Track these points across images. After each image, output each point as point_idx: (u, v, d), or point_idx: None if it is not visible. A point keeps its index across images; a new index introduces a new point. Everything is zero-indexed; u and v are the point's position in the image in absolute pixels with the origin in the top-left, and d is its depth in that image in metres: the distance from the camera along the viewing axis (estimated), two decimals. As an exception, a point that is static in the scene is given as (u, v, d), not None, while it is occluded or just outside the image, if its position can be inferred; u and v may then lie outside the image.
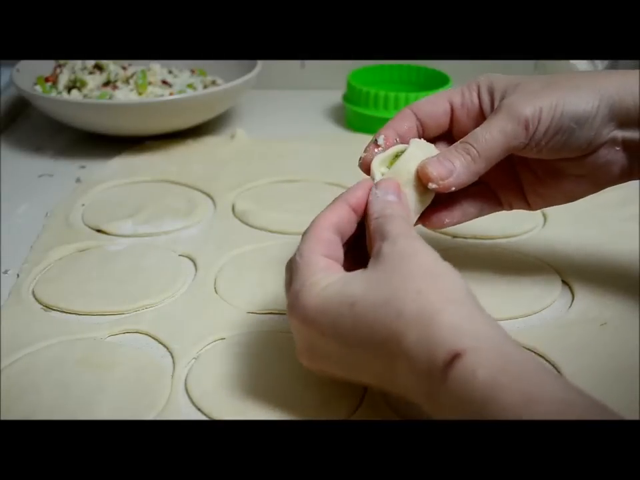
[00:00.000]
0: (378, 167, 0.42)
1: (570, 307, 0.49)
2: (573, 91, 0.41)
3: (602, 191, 0.64)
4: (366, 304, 0.34)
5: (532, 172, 0.45)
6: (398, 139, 0.43)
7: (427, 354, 0.31)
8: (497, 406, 0.29)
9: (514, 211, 0.61)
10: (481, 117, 0.43)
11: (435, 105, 0.43)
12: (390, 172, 0.41)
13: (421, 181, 0.40)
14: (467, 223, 0.47)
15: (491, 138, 0.40)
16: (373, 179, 0.41)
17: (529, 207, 0.47)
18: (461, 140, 0.41)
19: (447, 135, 0.44)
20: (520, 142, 0.41)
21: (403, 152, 0.42)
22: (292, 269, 0.38)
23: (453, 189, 0.40)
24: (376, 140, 0.43)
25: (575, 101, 0.40)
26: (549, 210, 0.61)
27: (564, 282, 0.52)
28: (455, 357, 0.30)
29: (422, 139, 0.43)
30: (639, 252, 0.54)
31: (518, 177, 0.46)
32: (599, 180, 0.45)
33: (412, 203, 0.41)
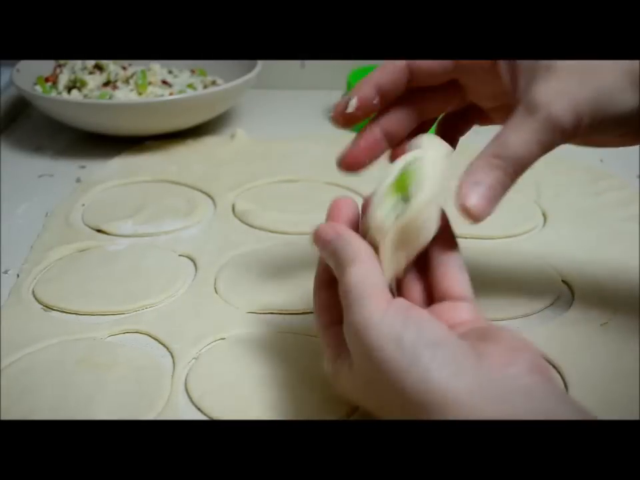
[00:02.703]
0: (384, 203, 0.36)
1: (570, 307, 0.49)
2: (615, 85, 0.36)
3: (602, 191, 0.65)
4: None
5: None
6: (377, 100, 0.40)
7: None
8: None
9: (514, 211, 0.61)
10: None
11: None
12: (409, 216, 0.35)
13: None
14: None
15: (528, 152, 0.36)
16: (382, 235, 0.36)
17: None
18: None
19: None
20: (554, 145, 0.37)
21: (411, 170, 0.36)
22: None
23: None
24: (349, 100, 0.40)
25: (618, 100, 0.36)
26: (549, 210, 0.61)
27: (564, 282, 0.52)
28: None
29: (432, 139, 0.38)
30: (639, 252, 0.54)
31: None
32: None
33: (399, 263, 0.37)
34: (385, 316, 0.32)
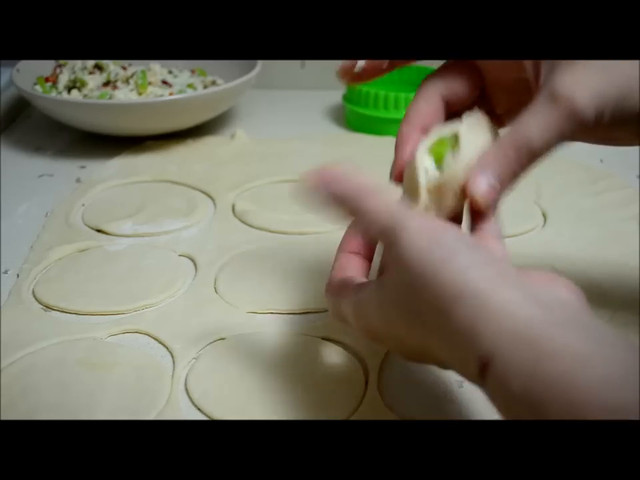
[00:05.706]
0: (422, 162, 0.37)
1: (570, 306, 0.49)
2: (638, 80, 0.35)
3: (602, 191, 0.65)
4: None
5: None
6: (386, 65, 0.40)
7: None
8: (541, 414, 0.27)
9: (514, 211, 0.61)
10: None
11: (461, 78, 0.41)
12: (444, 178, 0.36)
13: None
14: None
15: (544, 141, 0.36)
16: (417, 178, 0.36)
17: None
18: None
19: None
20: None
21: (448, 137, 0.37)
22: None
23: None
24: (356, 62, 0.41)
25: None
26: (549, 210, 0.61)
27: (564, 282, 0.52)
28: (485, 367, 0.29)
29: (473, 113, 0.38)
30: (639, 252, 0.54)
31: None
32: None
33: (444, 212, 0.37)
34: (426, 224, 0.32)
